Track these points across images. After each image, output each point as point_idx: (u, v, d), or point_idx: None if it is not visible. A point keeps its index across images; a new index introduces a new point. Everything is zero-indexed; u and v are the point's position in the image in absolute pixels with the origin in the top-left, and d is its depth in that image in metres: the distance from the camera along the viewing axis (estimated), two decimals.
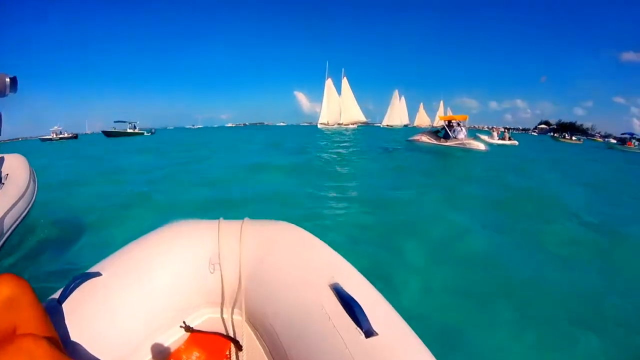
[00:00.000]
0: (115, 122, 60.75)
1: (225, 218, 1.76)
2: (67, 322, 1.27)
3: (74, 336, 1.27)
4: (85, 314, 1.33)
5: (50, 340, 1.02)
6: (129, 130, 58.85)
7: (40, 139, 65.98)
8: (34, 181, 4.91)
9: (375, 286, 1.39)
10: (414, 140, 23.47)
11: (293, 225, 1.75)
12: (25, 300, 1.04)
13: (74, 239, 4.95)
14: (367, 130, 72.43)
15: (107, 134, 57.15)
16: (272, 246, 1.60)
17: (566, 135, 56.12)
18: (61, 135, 63.83)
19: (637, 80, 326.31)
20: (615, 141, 53.26)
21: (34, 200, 4.70)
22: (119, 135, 55.69)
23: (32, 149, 34.88)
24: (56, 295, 1.36)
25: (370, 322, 1.14)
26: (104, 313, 1.36)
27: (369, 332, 1.11)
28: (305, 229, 1.73)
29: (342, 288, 1.29)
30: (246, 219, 1.74)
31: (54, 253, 4.38)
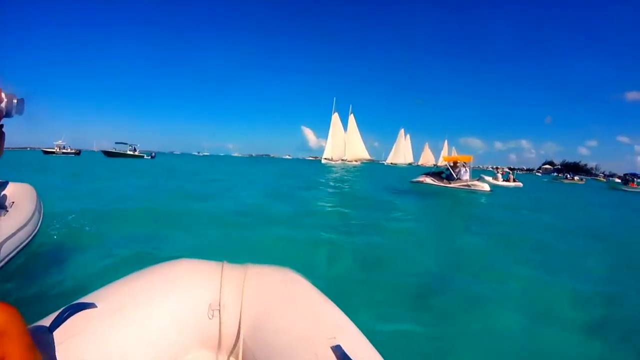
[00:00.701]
0: (116, 142, 61.18)
1: (230, 260, 1.76)
2: (56, 352, 1.20)
3: None
4: (75, 345, 1.27)
5: None
6: (129, 152, 59.28)
7: (43, 151, 67.35)
8: (39, 211, 4.92)
9: (379, 350, 1.34)
10: (417, 182, 23.34)
11: (297, 275, 1.73)
12: (14, 330, 0.85)
13: (74, 267, 4.84)
14: (371, 168, 72.59)
15: (107, 154, 57.67)
16: (275, 297, 1.57)
17: (568, 175, 56.99)
18: (64, 150, 65.08)
19: None
20: (619, 180, 53.43)
21: (38, 229, 4.69)
22: (119, 156, 56.06)
23: (35, 161, 35.43)
24: (47, 322, 1.30)
25: None
26: (95, 347, 1.30)
27: None
28: (307, 278, 1.71)
29: (344, 351, 1.23)
30: (249, 265, 1.73)
31: (52, 280, 4.30)
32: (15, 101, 0.97)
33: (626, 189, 41.53)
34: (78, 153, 65.77)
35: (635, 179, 43.71)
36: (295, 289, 1.62)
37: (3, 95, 0.95)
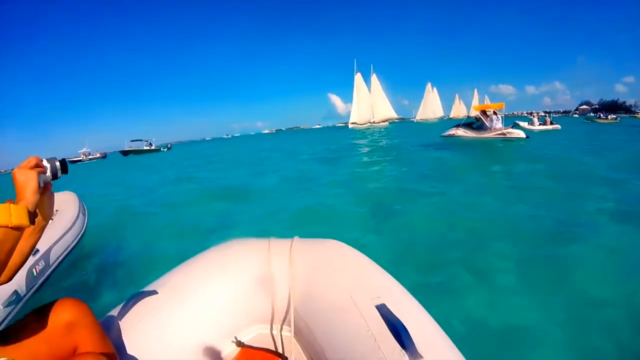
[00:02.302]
0: (131, 140, 62.44)
1: (276, 236, 1.84)
2: (124, 338, 1.36)
3: (131, 351, 1.36)
4: (141, 330, 1.41)
5: (108, 356, 1.20)
6: (145, 148, 60.37)
7: (69, 160, 67.71)
8: (83, 214, 5.34)
9: (424, 305, 1.38)
10: (448, 135, 22.26)
11: (342, 244, 1.76)
12: (84, 322, 1.18)
13: (126, 262, 5.09)
14: (400, 127, 71.10)
15: (124, 152, 58.97)
16: (321, 265, 1.61)
17: (601, 115, 54.52)
18: (90, 156, 66.97)
19: None
20: None
21: (84, 231, 5.13)
22: (135, 153, 57.18)
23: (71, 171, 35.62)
24: (114, 312, 1.47)
25: (417, 344, 1.12)
26: (159, 329, 1.45)
27: (414, 355, 1.10)
28: (354, 246, 1.72)
29: (388, 309, 1.27)
30: (296, 238, 1.78)
31: (107, 277, 4.57)
32: (57, 164, 1.09)
33: None
34: (104, 156, 67.99)
35: None
36: (341, 257, 1.66)
37: (45, 162, 1.07)
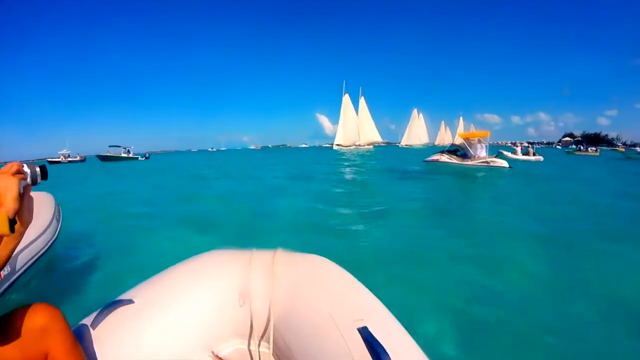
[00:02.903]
0: (110, 146, 61.65)
1: (259, 246, 1.79)
2: (97, 348, 1.31)
3: None
4: (115, 340, 1.36)
5: None
6: (123, 155, 59.66)
7: (47, 161, 67.13)
8: (57, 219, 4.99)
9: (408, 329, 1.31)
10: (431, 161, 21.89)
11: (326, 260, 1.70)
12: (57, 328, 1.15)
13: (99, 271, 4.90)
14: (385, 151, 71.28)
15: (102, 158, 58.11)
16: (304, 281, 1.56)
17: (581, 147, 57.99)
18: (70, 159, 65.27)
19: None
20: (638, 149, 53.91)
21: (57, 236, 4.78)
22: (113, 160, 56.49)
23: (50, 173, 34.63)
24: (88, 320, 1.40)
25: None
26: (134, 340, 1.39)
27: None
28: (337, 262, 1.68)
29: (370, 332, 1.22)
30: (279, 250, 1.73)
31: (78, 284, 4.43)
32: (38, 169, 1.09)
33: None
34: (83, 160, 66.15)
35: None
36: (324, 273, 1.61)
37: (26, 168, 1.06)
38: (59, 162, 63.42)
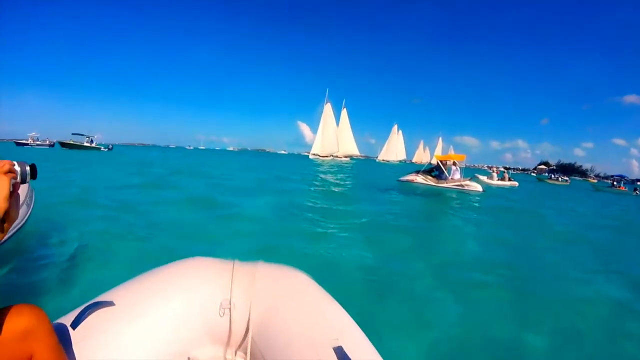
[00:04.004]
0: (73, 133, 60.80)
1: (241, 259, 1.80)
2: (77, 349, 1.28)
3: None
4: (95, 342, 1.33)
5: None
6: (85, 144, 58.73)
7: (15, 142, 66.22)
8: (27, 205, 4.88)
9: (381, 351, 1.36)
10: (406, 181, 21.31)
11: (305, 275, 1.74)
12: (41, 330, 1.11)
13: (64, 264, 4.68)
14: (361, 164, 71.23)
15: (63, 145, 57.17)
16: (283, 296, 1.59)
17: (552, 176, 60.04)
18: (38, 142, 63.68)
19: (638, 122, 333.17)
20: (609, 181, 55.13)
21: (25, 221, 4.67)
22: (75, 148, 55.52)
23: (7, 153, 33.86)
24: (67, 320, 1.37)
25: None
26: (113, 342, 1.36)
27: None
28: (314, 278, 1.73)
29: (345, 353, 1.25)
30: (260, 262, 1.77)
31: (41, 278, 4.21)
32: (27, 168, 1.08)
33: (612, 191, 42.90)
34: (52, 145, 64.14)
35: (622, 182, 46.23)
36: (303, 289, 1.64)
37: (16, 166, 1.05)
38: (26, 144, 62.17)
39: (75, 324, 1.34)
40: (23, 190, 4.77)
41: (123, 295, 1.52)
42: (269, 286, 1.63)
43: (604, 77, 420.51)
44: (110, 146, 67.10)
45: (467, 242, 8.17)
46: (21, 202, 4.44)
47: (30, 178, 1.07)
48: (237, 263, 1.76)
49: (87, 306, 1.41)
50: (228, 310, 1.58)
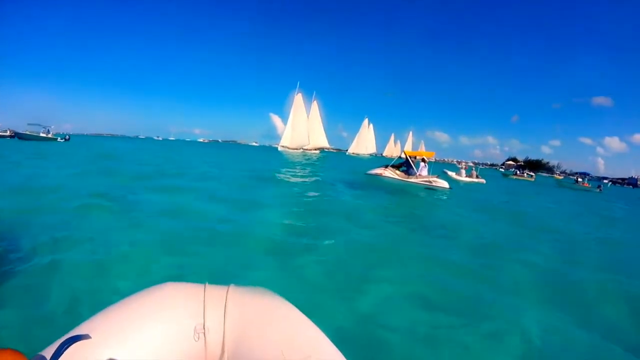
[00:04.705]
0: (28, 124, 59.04)
1: (211, 281, 1.77)
2: None
3: None
4: None
5: None
6: (41, 134, 57.13)
7: None
8: None
9: None
10: (374, 174, 20.85)
11: (276, 296, 1.75)
12: None
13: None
14: (331, 157, 70.77)
15: (18, 135, 55.85)
16: (256, 317, 1.59)
17: (517, 172, 61.25)
18: (1, 133, 61.67)
19: (605, 123, 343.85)
20: (574, 178, 56.59)
21: None
22: (30, 139, 53.87)
23: None
24: (46, 354, 1.26)
25: None
26: None
27: None
28: (285, 297, 1.72)
29: None
30: (232, 286, 1.77)
31: None
32: None
33: (574, 187, 44.14)
34: (13, 136, 61.29)
35: (585, 178, 47.96)
36: (275, 309, 1.65)
37: None
38: None
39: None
40: None
41: (98, 327, 1.46)
42: (241, 308, 1.62)
43: (576, 78, 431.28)
44: (67, 137, 65.05)
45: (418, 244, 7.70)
46: None
47: None
48: (209, 286, 1.73)
49: (65, 341, 1.29)
50: (202, 334, 1.56)
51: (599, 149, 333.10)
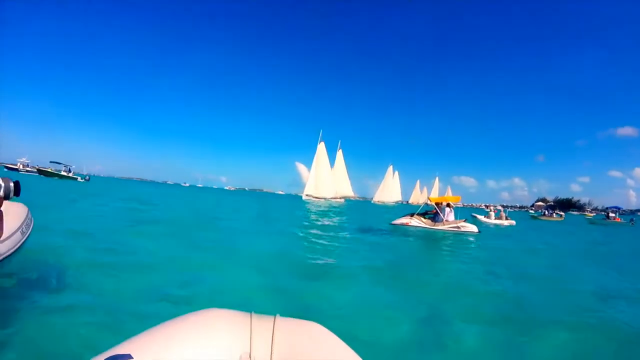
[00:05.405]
0: (50, 162, 62.22)
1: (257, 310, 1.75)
2: None
3: None
4: None
5: None
6: (62, 173, 59.87)
7: (5, 166, 68.42)
8: (22, 232, 4.53)
9: None
10: (400, 224, 20.25)
11: (326, 330, 1.69)
12: None
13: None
14: (356, 206, 70.51)
15: (40, 172, 58.60)
16: (305, 352, 1.53)
17: (545, 212, 60.20)
18: (28, 168, 64.98)
19: (633, 154, 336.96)
20: (604, 214, 55.87)
21: (16, 249, 4.30)
22: (51, 176, 56.83)
23: None
24: None
25: None
26: None
27: None
28: (335, 333, 1.66)
29: None
30: (278, 317, 1.71)
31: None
32: (12, 185, 1.16)
33: (606, 222, 43.11)
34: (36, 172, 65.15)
35: (617, 213, 46.77)
36: (323, 343, 1.61)
37: (0, 181, 1.16)
38: (16, 169, 63.90)
39: None
40: (19, 216, 4.64)
41: (139, 347, 1.39)
42: (289, 339, 1.57)
43: (598, 112, 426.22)
44: (88, 177, 67.42)
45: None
46: (16, 228, 4.36)
47: (14, 195, 1.12)
48: (255, 316, 1.69)
49: (106, 359, 1.28)
50: None
51: (630, 181, 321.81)
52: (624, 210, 51.76)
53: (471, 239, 17.97)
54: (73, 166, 63.48)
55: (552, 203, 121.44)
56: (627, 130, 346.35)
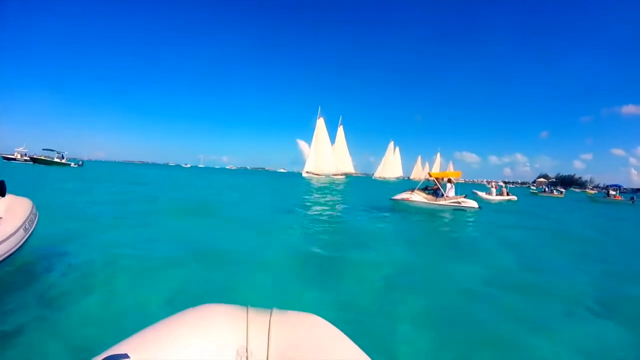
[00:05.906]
0: (43, 149, 62.23)
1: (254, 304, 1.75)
2: None
3: None
4: None
5: None
6: (55, 160, 59.63)
7: (2, 156, 68.00)
8: (25, 230, 4.56)
9: None
10: (400, 200, 20.23)
11: (323, 321, 1.68)
12: None
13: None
14: (357, 182, 70.62)
15: (33, 160, 58.34)
16: (301, 344, 1.52)
17: (546, 189, 61.87)
18: (25, 158, 63.85)
19: (636, 132, 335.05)
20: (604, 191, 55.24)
21: (19, 247, 4.37)
22: (44, 163, 56.72)
23: None
24: None
25: None
26: None
27: None
28: (333, 324, 1.66)
29: None
30: (275, 310, 1.72)
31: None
32: None
33: (606, 200, 43.45)
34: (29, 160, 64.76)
35: (617, 191, 46.21)
36: (323, 336, 1.60)
37: None
38: (14, 159, 63.38)
39: None
40: (23, 213, 4.64)
41: (137, 346, 1.39)
42: (286, 332, 1.56)
43: (603, 89, 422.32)
44: (81, 162, 67.40)
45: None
46: (18, 225, 4.42)
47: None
48: (251, 309, 1.69)
49: (106, 359, 1.28)
50: (245, 358, 1.51)
51: (632, 160, 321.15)
52: (625, 189, 51.62)
53: (472, 214, 18.14)
54: (66, 152, 63.45)
55: (553, 179, 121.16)
56: (631, 109, 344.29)
